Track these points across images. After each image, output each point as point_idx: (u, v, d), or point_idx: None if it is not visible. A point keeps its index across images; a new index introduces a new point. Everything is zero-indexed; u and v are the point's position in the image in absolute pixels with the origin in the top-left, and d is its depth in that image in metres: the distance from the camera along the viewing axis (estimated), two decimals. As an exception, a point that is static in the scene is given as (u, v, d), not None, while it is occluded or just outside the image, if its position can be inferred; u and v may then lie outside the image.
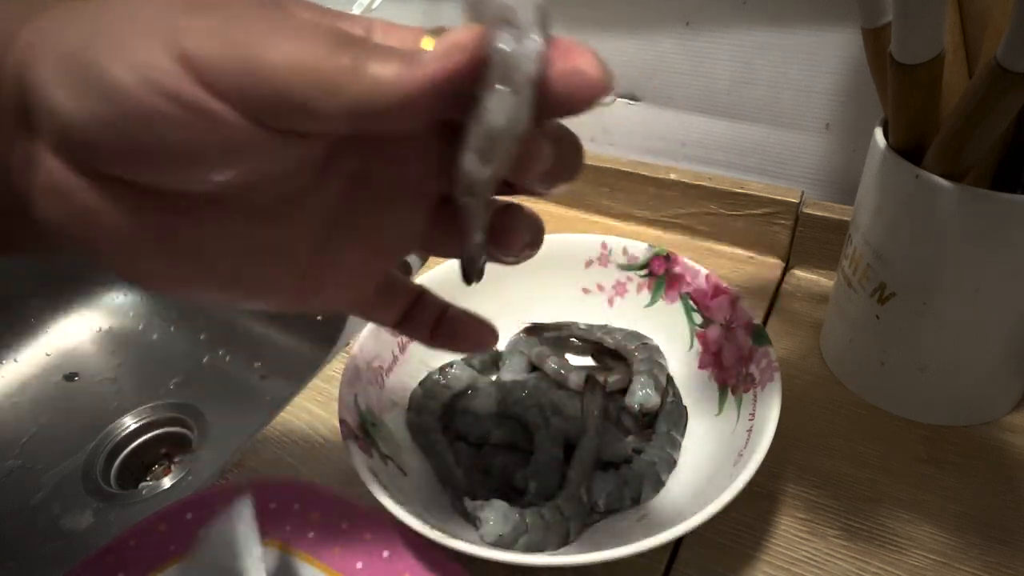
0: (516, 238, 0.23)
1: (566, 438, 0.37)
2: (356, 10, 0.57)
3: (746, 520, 0.36)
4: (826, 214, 0.50)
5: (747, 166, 0.56)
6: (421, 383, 0.41)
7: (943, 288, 0.35)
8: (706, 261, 0.53)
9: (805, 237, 0.52)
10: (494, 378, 0.43)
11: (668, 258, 0.43)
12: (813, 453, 0.39)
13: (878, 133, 0.36)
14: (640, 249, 0.44)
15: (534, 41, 0.18)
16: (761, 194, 0.52)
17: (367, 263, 0.24)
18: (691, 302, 0.42)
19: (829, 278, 0.51)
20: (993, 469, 0.37)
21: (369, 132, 0.18)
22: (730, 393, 0.38)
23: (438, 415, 0.39)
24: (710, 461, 0.35)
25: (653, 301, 0.44)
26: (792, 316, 0.49)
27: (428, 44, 0.20)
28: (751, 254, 0.55)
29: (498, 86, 0.17)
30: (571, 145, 0.22)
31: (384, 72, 0.17)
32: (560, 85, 0.18)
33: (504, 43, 0.17)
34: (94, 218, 0.18)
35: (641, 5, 0.53)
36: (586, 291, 0.46)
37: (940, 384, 0.39)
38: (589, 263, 0.46)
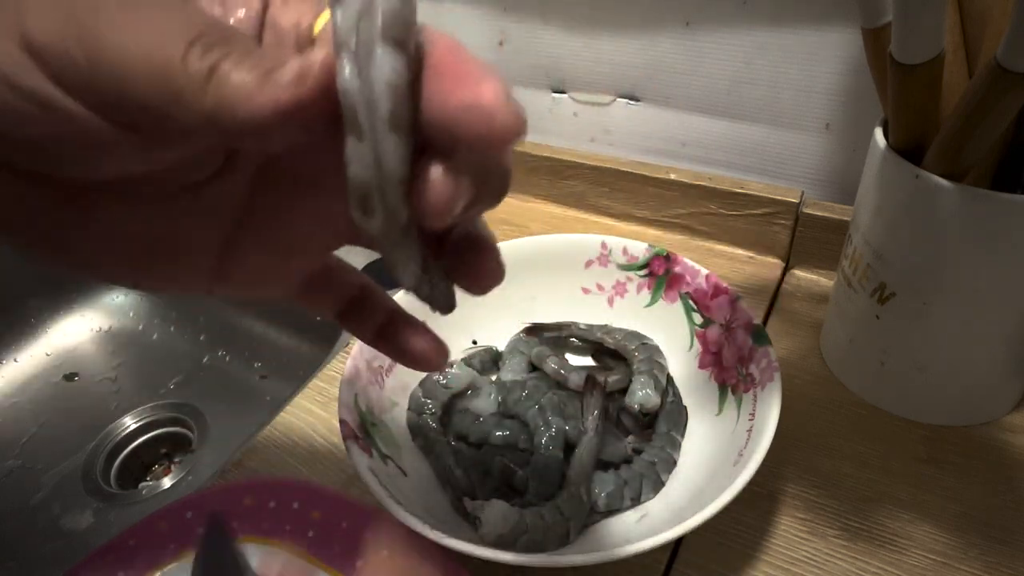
0: (469, 274, 0.20)
1: (566, 438, 0.37)
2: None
3: (746, 520, 0.36)
4: (826, 214, 0.50)
5: (747, 166, 0.56)
6: (421, 383, 0.41)
7: (943, 288, 0.35)
8: (706, 261, 0.54)
9: (805, 237, 0.52)
10: (494, 378, 0.43)
11: (668, 258, 0.43)
12: (813, 453, 0.39)
13: (878, 133, 0.36)
14: (640, 249, 0.44)
15: (382, 69, 0.13)
16: (761, 194, 0.52)
17: (284, 255, 0.22)
18: (691, 302, 0.42)
19: (829, 278, 0.51)
20: (993, 469, 0.37)
21: (235, 144, 0.16)
22: (730, 393, 0.38)
23: (438, 415, 0.39)
24: (710, 461, 0.35)
25: (653, 301, 0.44)
26: (792, 316, 0.49)
27: (322, 21, 0.18)
28: (751, 254, 0.55)
29: (348, 135, 0.14)
30: (496, 176, 0.17)
31: (235, 88, 0.14)
32: (448, 124, 0.14)
33: (343, 77, 0.13)
34: None
35: (641, 5, 0.53)
36: (586, 291, 0.46)
37: (940, 384, 0.39)
38: (589, 263, 0.46)
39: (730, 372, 0.38)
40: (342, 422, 0.35)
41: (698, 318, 0.42)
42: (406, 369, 0.41)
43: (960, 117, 0.30)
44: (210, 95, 0.14)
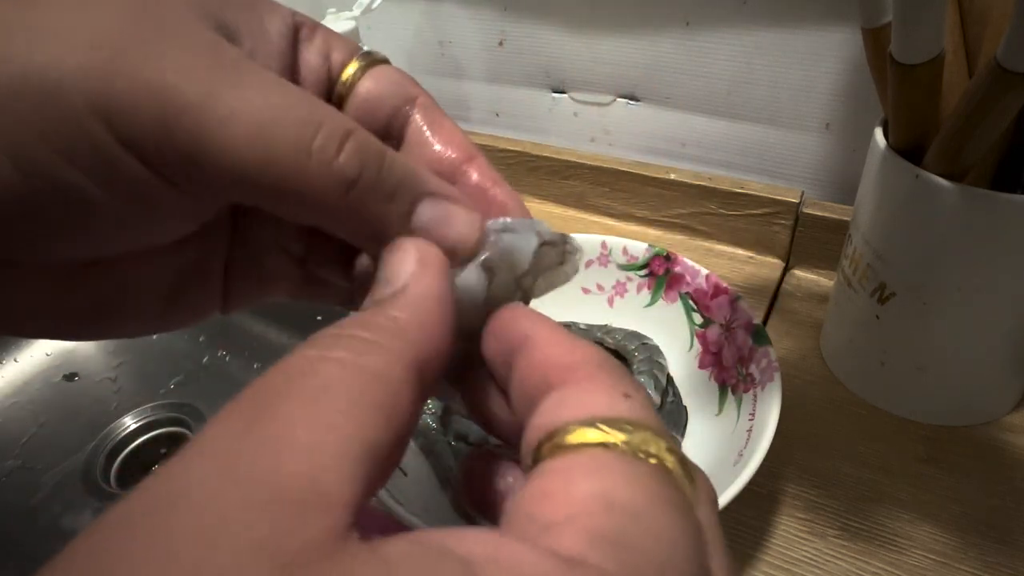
0: None
1: None
2: (356, 10, 0.57)
3: (746, 520, 0.36)
4: (826, 214, 0.50)
5: (747, 166, 0.56)
6: None
7: (943, 288, 0.35)
8: (706, 261, 0.54)
9: (805, 237, 0.52)
10: None
11: (668, 258, 0.43)
12: (813, 453, 0.39)
13: (878, 133, 0.36)
14: (640, 249, 0.44)
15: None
16: (761, 194, 0.52)
17: (271, 268, 0.22)
18: (691, 302, 0.42)
19: (829, 278, 0.51)
20: (993, 469, 0.37)
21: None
22: (730, 393, 0.38)
23: (438, 415, 0.39)
24: (710, 461, 0.35)
25: (653, 301, 0.44)
26: (792, 316, 0.49)
27: (350, 69, 0.19)
28: (751, 254, 0.55)
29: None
30: None
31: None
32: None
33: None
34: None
35: (641, 5, 0.53)
36: (586, 291, 0.46)
37: (940, 384, 0.39)
38: (589, 263, 0.46)
39: (730, 372, 0.38)
40: None
41: (698, 318, 0.42)
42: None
43: (960, 117, 0.30)
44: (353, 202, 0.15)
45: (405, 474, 0.36)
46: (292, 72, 0.19)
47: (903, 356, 0.39)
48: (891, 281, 0.37)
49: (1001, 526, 0.34)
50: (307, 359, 0.13)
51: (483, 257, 0.17)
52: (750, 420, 0.34)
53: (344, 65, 0.19)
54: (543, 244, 0.17)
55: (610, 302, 0.46)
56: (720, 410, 0.38)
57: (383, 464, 0.12)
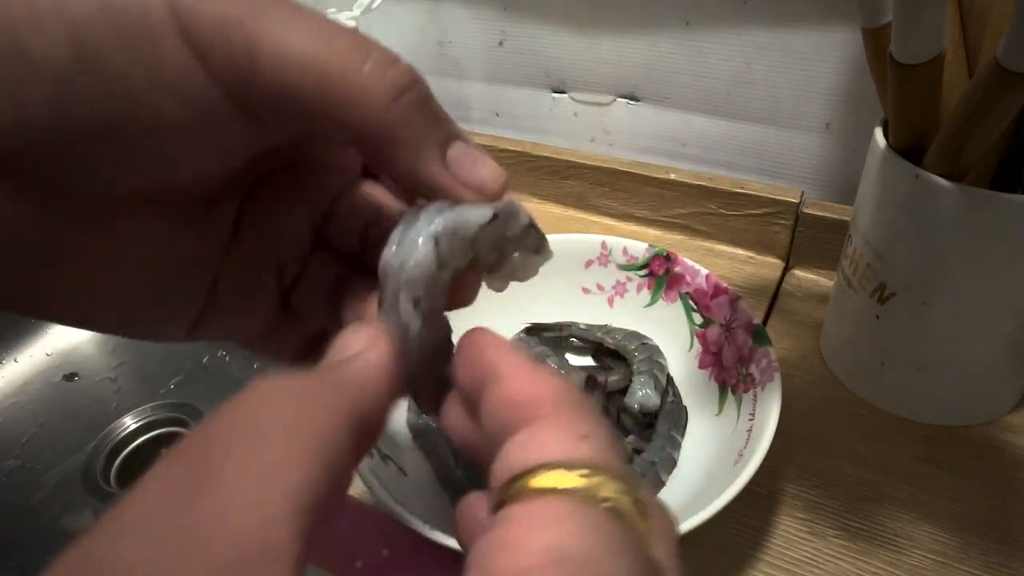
0: None
1: None
2: (356, 10, 0.57)
3: (746, 520, 0.36)
4: (826, 214, 0.50)
5: (747, 166, 0.56)
6: None
7: (943, 288, 0.35)
8: (706, 261, 0.54)
9: (805, 237, 0.52)
10: None
11: (668, 258, 0.43)
12: (813, 453, 0.39)
13: (878, 133, 0.36)
14: (640, 249, 0.44)
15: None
16: (761, 194, 0.52)
17: (264, 278, 0.21)
18: (691, 302, 0.42)
19: (829, 278, 0.51)
20: (993, 469, 0.37)
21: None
22: (730, 393, 0.38)
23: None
24: (710, 461, 0.35)
25: (653, 301, 0.44)
26: (792, 316, 0.49)
27: None
28: (751, 254, 0.55)
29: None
30: None
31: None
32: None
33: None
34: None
35: (641, 5, 0.53)
36: (586, 291, 0.46)
37: (940, 384, 0.39)
38: (589, 263, 0.46)
39: (730, 372, 0.38)
40: None
41: (698, 318, 0.42)
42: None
43: (960, 117, 0.30)
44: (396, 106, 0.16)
45: (405, 474, 0.36)
46: None
47: (903, 356, 0.39)
48: (891, 281, 0.37)
49: (1001, 526, 0.34)
50: (250, 407, 0.13)
51: (434, 227, 0.17)
52: (750, 420, 0.34)
53: None
54: (496, 216, 0.17)
55: (610, 302, 0.46)
56: (720, 410, 0.38)
57: (321, 517, 0.12)
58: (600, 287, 0.46)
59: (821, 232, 0.51)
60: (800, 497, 0.37)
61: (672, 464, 0.37)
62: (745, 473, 0.30)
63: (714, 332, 0.41)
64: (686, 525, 0.28)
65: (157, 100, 0.15)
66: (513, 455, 0.14)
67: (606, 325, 0.45)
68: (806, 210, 0.51)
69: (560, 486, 0.13)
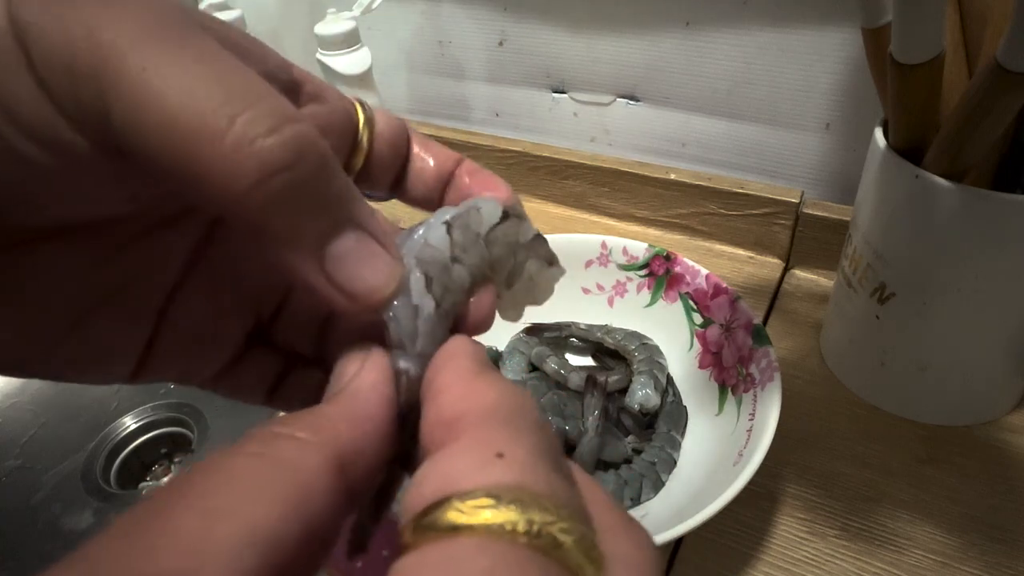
0: None
1: (566, 438, 0.37)
2: (356, 10, 0.57)
3: (746, 520, 0.36)
4: (826, 214, 0.50)
5: (747, 166, 0.56)
6: None
7: (943, 288, 0.35)
8: (706, 261, 0.54)
9: (805, 237, 0.52)
10: None
11: (668, 258, 0.43)
12: (813, 453, 0.39)
13: (878, 133, 0.36)
14: (640, 249, 0.44)
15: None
16: (761, 194, 0.52)
17: (219, 324, 0.19)
18: (691, 302, 0.42)
19: (829, 278, 0.51)
20: (993, 469, 0.37)
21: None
22: (730, 393, 0.38)
23: None
24: (710, 461, 0.35)
25: (653, 301, 0.44)
26: (792, 316, 0.49)
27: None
28: (751, 254, 0.55)
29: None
30: None
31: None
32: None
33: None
34: None
35: (641, 5, 0.53)
36: (586, 291, 0.46)
37: (940, 384, 0.39)
38: (589, 263, 0.46)
39: (730, 372, 0.38)
40: None
41: (698, 318, 0.42)
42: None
43: (960, 117, 0.30)
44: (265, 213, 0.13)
45: None
46: None
47: (903, 356, 0.39)
48: (891, 281, 0.37)
49: (1001, 526, 0.34)
50: (222, 454, 0.12)
51: (447, 216, 0.16)
52: (750, 420, 0.34)
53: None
54: (507, 214, 0.17)
55: (610, 302, 0.46)
56: (720, 410, 0.38)
57: (290, 557, 0.11)
58: (600, 287, 0.46)
59: (821, 232, 0.51)
60: (800, 497, 0.37)
61: (672, 464, 0.37)
62: (745, 473, 0.30)
63: (714, 332, 0.41)
64: (686, 525, 0.28)
65: (12, 141, 0.13)
66: (416, 486, 0.12)
67: (606, 325, 0.45)
68: (806, 210, 0.51)
69: (458, 523, 0.10)
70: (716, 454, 0.35)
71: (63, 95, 0.12)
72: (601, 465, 0.37)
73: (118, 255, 0.16)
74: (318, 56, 0.58)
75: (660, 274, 0.44)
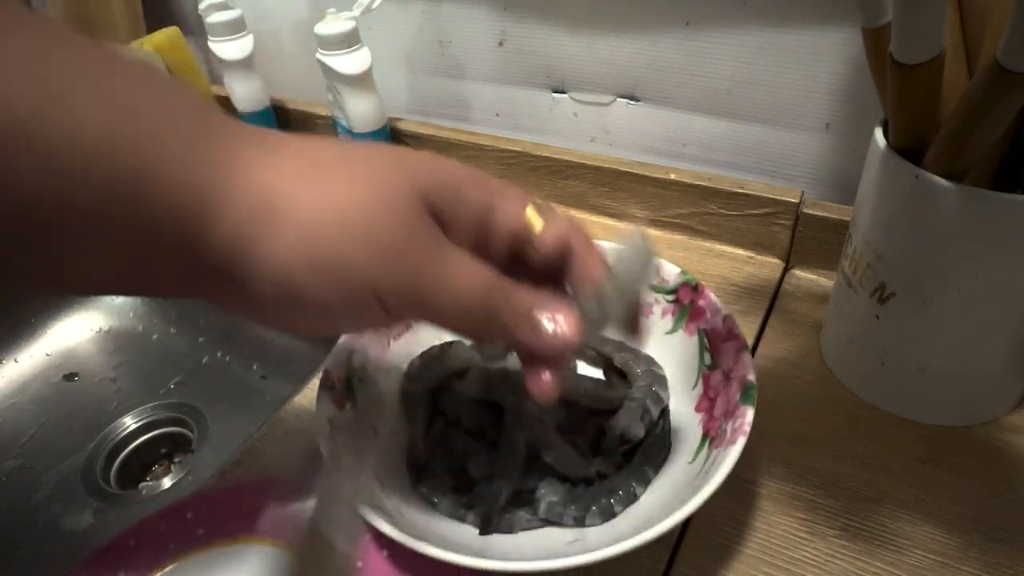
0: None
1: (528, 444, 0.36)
2: (356, 10, 0.57)
3: (746, 520, 0.36)
4: (826, 214, 0.50)
5: (747, 166, 0.56)
6: (421, 355, 0.41)
7: (943, 288, 0.35)
8: (706, 261, 0.54)
9: (805, 237, 0.52)
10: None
11: (695, 288, 0.41)
12: (813, 453, 0.39)
13: (878, 133, 0.36)
14: (672, 273, 0.42)
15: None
16: (761, 194, 0.52)
17: None
18: (706, 340, 0.40)
19: (829, 278, 0.51)
20: (993, 469, 0.37)
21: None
22: (707, 445, 0.35)
23: (431, 388, 0.40)
24: (664, 508, 0.32)
25: (674, 329, 0.42)
26: (792, 316, 0.49)
27: (532, 215, 0.28)
28: (751, 254, 0.55)
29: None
30: None
31: (544, 330, 0.26)
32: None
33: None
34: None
35: (641, 5, 0.53)
36: None
37: (940, 384, 0.39)
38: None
39: (714, 423, 0.36)
40: (324, 372, 0.36)
41: (708, 359, 0.40)
42: (416, 339, 0.42)
43: (960, 117, 0.30)
44: (526, 333, 0.26)
45: (376, 433, 0.38)
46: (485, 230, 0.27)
47: (903, 356, 0.39)
48: (891, 281, 0.37)
49: (1001, 526, 0.35)
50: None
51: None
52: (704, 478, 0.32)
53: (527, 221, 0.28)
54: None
55: None
56: (694, 459, 0.35)
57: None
58: None
59: (821, 232, 0.51)
60: (800, 497, 0.37)
61: (632, 499, 0.35)
62: (650, 532, 0.28)
63: (717, 377, 0.38)
64: (585, 558, 0.28)
65: None
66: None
67: (622, 343, 0.43)
68: (806, 210, 0.51)
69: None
70: (672, 502, 0.32)
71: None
72: (561, 476, 0.36)
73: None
74: (318, 56, 0.58)
75: (685, 303, 0.42)
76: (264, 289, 0.22)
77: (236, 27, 0.64)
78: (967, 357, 0.37)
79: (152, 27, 0.74)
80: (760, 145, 0.55)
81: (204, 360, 0.62)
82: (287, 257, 0.22)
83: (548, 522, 0.35)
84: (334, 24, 0.57)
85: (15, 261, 0.20)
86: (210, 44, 0.65)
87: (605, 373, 0.44)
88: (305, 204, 0.22)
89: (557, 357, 0.27)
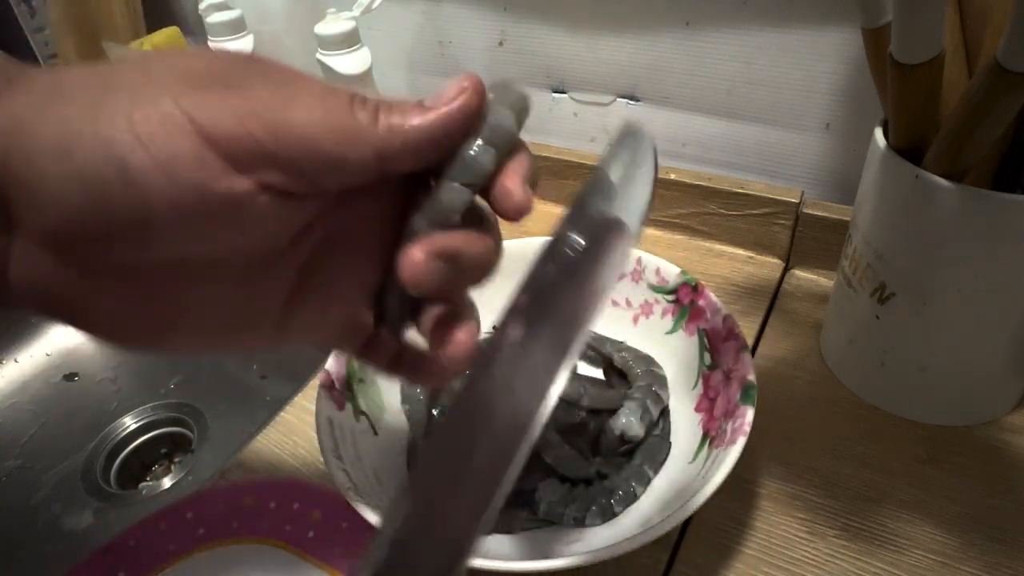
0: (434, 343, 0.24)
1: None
2: (356, 10, 0.57)
3: (746, 520, 0.36)
4: (826, 214, 0.50)
5: (747, 166, 0.56)
6: None
7: (943, 288, 0.35)
8: (706, 261, 0.54)
9: (805, 237, 0.52)
10: None
11: (695, 288, 0.41)
12: (813, 453, 0.39)
13: (878, 133, 0.36)
14: (672, 273, 0.43)
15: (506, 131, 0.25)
16: (761, 194, 0.52)
17: (331, 310, 0.24)
18: (706, 340, 0.40)
19: (829, 278, 0.51)
20: (993, 469, 0.37)
21: (387, 175, 0.20)
22: (707, 445, 0.36)
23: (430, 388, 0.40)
24: (664, 508, 0.33)
25: (674, 329, 0.42)
26: (792, 316, 0.49)
27: None
28: (751, 254, 0.55)
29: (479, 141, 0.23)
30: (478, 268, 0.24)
31: (401, 119, 0.20)
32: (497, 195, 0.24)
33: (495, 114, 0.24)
34: (76, 303, 0.19)
35: (641, 5, 0.53)
36: (615, 304, 0.45)
37: (940, 384, 0.39)
38: (621, 276, 0.44)
39: (715, 423, 0.36)
40: (324, 372, 0.36)
41: (708, 359, 0.40)
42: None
43: (960, 117, 0.30)
44: (383, 130, 0.20)
45: (376, 433, 0.37)
46: None
47: (903, 356, 0.39)
48: (891, 281, 0.37)
49: (1001, 526, 0.35)
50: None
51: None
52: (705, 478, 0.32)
53: None
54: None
55: (635, 320, 0.44)
56: (694, 459, 0.36)
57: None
58: (628, 303, 0.44)
59: (821, 232, 0.51)
60: (800, 497, 0.37)
61: (632, 499, 0.35)
62: (650, 532, 0.28)
63: (717, 377, 0.38)
64: (569, 560, 0.28)
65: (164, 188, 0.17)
66: None
67: (623, 343, 0.43)
68: (806, 210, 0.51)
69: None
70: (673, 502, 0.33)
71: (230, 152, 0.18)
72: (561, 477, 0.36)
73: (243, 281, 0.21)
74: (318, 56, 0.58)
75: (685, 303, 0.42)
76: (48, 219, 0.17)
77: (236, 27, 0.64)
78: (967, 357, 0.37)
79: (152, 27, 0.74)
80: (760, 145, 0.55)
81: (204, 360, 0.62)
82: (35, 173, 0.17)
83: (548, 522, 0.35)
84: (334, 24, 0.57)
85: None
86: (210, 44, 0.65)
87: (605, 373, 0.44)
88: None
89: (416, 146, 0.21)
